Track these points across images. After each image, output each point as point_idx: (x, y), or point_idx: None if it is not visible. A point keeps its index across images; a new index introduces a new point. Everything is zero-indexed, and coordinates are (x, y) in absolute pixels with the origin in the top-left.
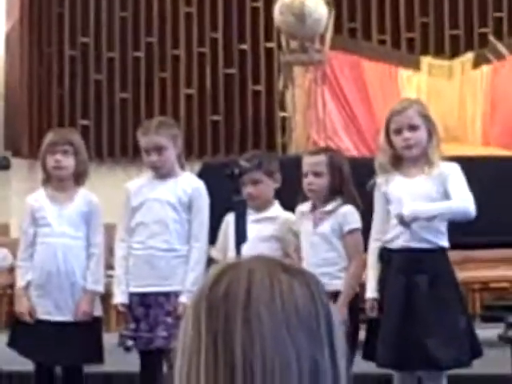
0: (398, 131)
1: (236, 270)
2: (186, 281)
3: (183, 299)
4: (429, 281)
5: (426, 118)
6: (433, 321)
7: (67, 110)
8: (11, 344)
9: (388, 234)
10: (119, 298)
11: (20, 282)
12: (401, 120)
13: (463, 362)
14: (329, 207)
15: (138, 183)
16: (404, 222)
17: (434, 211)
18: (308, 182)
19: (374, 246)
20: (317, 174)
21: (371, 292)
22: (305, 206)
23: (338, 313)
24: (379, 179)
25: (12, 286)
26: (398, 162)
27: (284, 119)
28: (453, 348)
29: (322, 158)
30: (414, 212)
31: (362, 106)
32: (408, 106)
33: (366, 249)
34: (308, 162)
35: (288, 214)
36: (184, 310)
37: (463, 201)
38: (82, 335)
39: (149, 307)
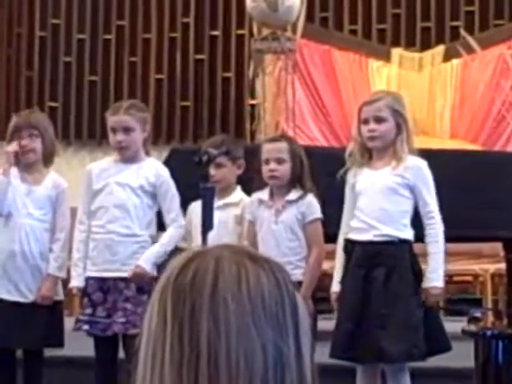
0: (366, 121)
1: (203, 258)
2: (152, 248)
3: (142, 263)
4: (386, 273)
5: (396, 112)
6: (385, 313)
7: (36, 91)
8: None
9: (351, 226)
10: (75, 281)
11: None
12: (369, 111)
13: (414, 355)
14: (292, 196)
15: (101, 166)
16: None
17: (441, 266)
18: (271, 168)
19: (342, 239)
20: (280, 161)
21: (336, 286)
22: (263, 194)
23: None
24: (349, 172)
25: None
26: (367, 152)
27: (253, 107)
28: (404, 342)
29: (284, 144)
30: (438, 285)
31: (332, 95)
32: (379, 97)
33: (332, 239)
34: (270, 149)
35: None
36: (139, 271)
37: (439, 229)
38: (42, 318)
39: (107, 292)
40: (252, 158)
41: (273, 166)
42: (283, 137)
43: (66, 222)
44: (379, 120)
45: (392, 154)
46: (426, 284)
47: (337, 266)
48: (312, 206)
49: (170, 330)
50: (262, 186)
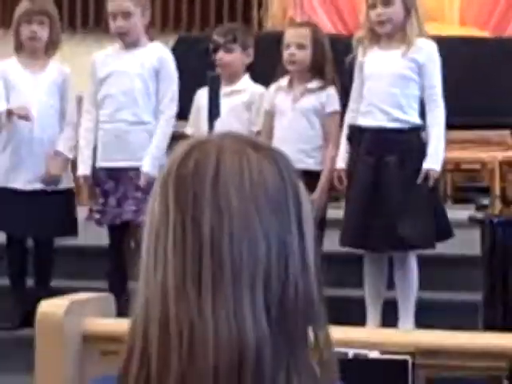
0: (373, 6)
1: (205, 147)
2: (149, 149)
3: (146, 168)
4: (398, 161)
5: None
6: (400, 201)
7: None
8: None
9: (360, 110)
10: (81, 169)
11: None
12: None
13: (430, 242)
14: (312, 85)
15: (105, 54)
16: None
17: (441, 150)
18: (290, 53)
19: (350, 117)
20: (300, 46)
21: (341, 162)
22: (282, 81)
23: (316, 195)
24: (358, 52)
25: None
26: (375, 37)
27: None
28: (419, 228)
29: (307, 30)
30: (436, 168)
31: None
32: None
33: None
34: (291, 34)
35: (259, 88)
36: (146, 180)
37: (441, 114)
38: (55, 207)
39: (118, 181)
40: (270, 45)
41: (292, 50)
42: (307, 23)
43: (72, 106)
44: (387, 3)
45: (402, 38)
46: (425, 166)
47: (342, 146)
48: (331, 97)
49: (172, 220)
50: (283, 74)
